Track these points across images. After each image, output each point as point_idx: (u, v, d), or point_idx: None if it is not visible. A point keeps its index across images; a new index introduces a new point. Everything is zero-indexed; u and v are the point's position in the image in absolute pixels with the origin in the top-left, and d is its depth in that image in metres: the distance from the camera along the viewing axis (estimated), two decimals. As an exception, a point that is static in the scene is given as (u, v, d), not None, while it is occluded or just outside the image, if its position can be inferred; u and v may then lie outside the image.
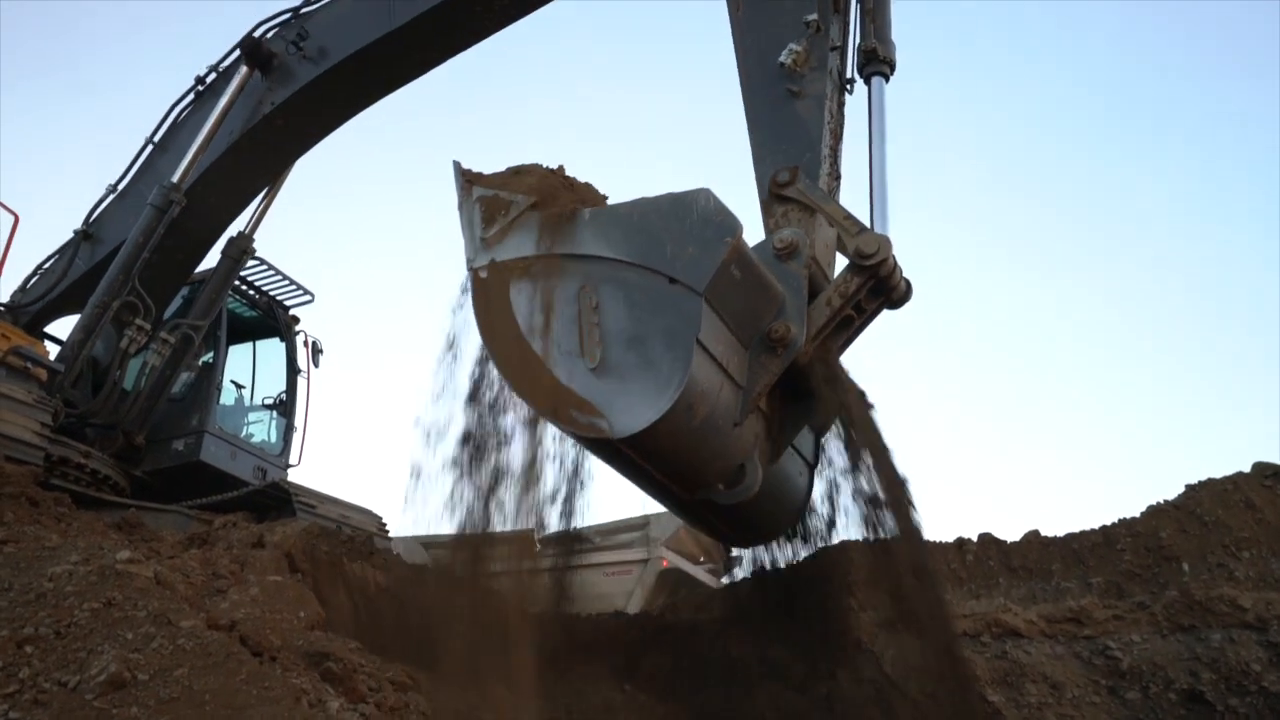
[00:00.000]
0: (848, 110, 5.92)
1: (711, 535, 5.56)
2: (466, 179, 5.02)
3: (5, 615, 3.74)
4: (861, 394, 5.20)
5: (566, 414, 4.38)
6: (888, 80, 5.85)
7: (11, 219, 8.00)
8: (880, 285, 4.96)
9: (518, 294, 4.64)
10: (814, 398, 4.95)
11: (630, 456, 4.53)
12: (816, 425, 5.44)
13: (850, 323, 5.03)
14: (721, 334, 4.45)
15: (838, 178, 5.61)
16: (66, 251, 9.15)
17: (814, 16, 5.55)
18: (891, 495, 4.88)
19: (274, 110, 8.35)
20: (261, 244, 9.78)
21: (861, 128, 5.74)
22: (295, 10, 8.43)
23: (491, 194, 4.90)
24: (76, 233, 9.13)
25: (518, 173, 5.04)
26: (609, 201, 4.98)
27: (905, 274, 5.11)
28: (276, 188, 9.82)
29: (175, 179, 8.36)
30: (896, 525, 4.91)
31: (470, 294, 4.80)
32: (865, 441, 4.98)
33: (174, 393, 9.20)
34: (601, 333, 4.41)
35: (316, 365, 10.89)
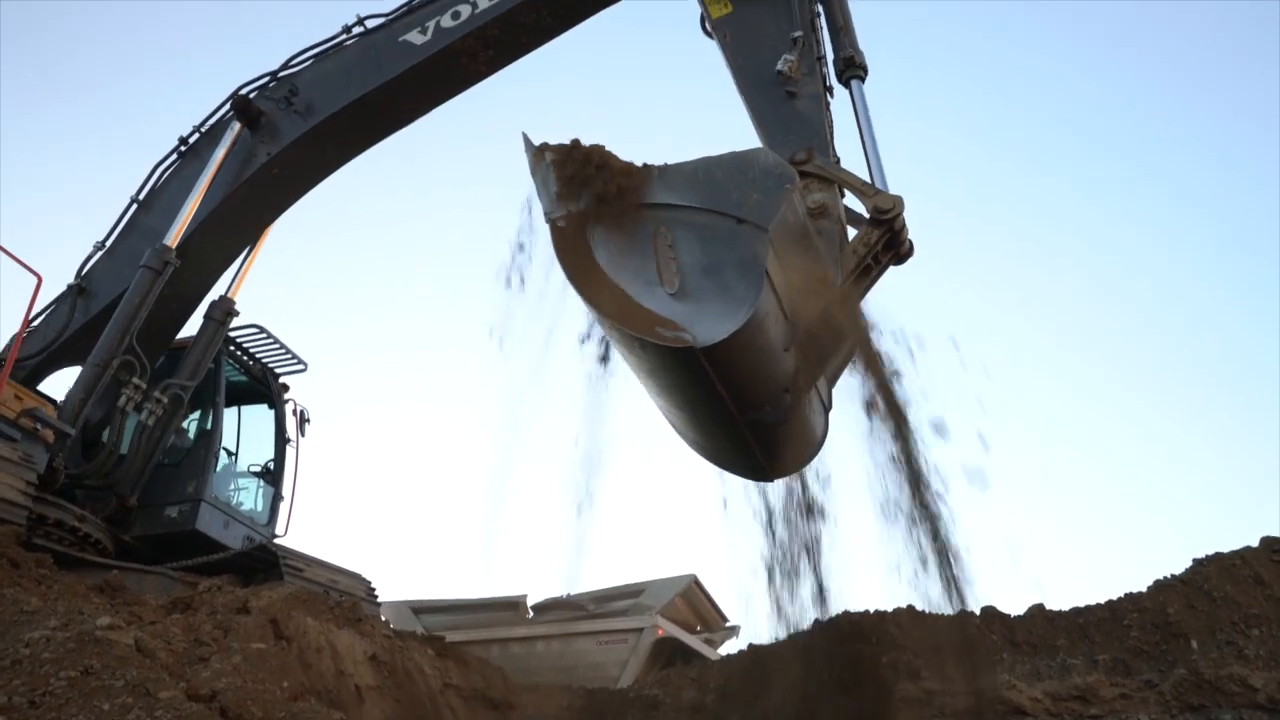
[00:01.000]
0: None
1: (741, 469, 6.08)
2: (537, 148, 5.77)
3: (-22, 683, 3.65)
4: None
5: (654, 331, 4.98)
6: (863, 82, 7.07)
7: (35, 279, 8.05)
8: (894, 239, 5.86)
9: (594, 238, 5.43)
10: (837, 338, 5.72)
11: (697, 374, 5.06)
12: (834, 368, 6.02)
13: (869, 271, 5.87)
14: (777, 270, 5.11)
15: (838, 161, 6.58)
16: (63, 305, 9.15)
17: (799, 34, 6.89)
18: (894, 421, 5.61)
19: (270, 160, 8.69)
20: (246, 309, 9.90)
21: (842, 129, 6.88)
22: (273, 74, 8.86)
23: (563, 155, 5.68)
24: (70, 286, 9.15)
25: (575, 143, 5.83)
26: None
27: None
28: (256, 248, 9.93)
29: (169, 241, 8.47)
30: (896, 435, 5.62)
31: (552, 242, 5.44)
32: (874, 372, 5.68)
33: (162, 456, 9.12)
34: (679, 265, 5.18)
35: (303, 434, 10.86)
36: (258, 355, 10.70)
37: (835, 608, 6.64)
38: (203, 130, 9.11)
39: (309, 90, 8.65)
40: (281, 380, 10.99)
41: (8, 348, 8.19)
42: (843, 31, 7.21)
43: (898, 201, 5.81)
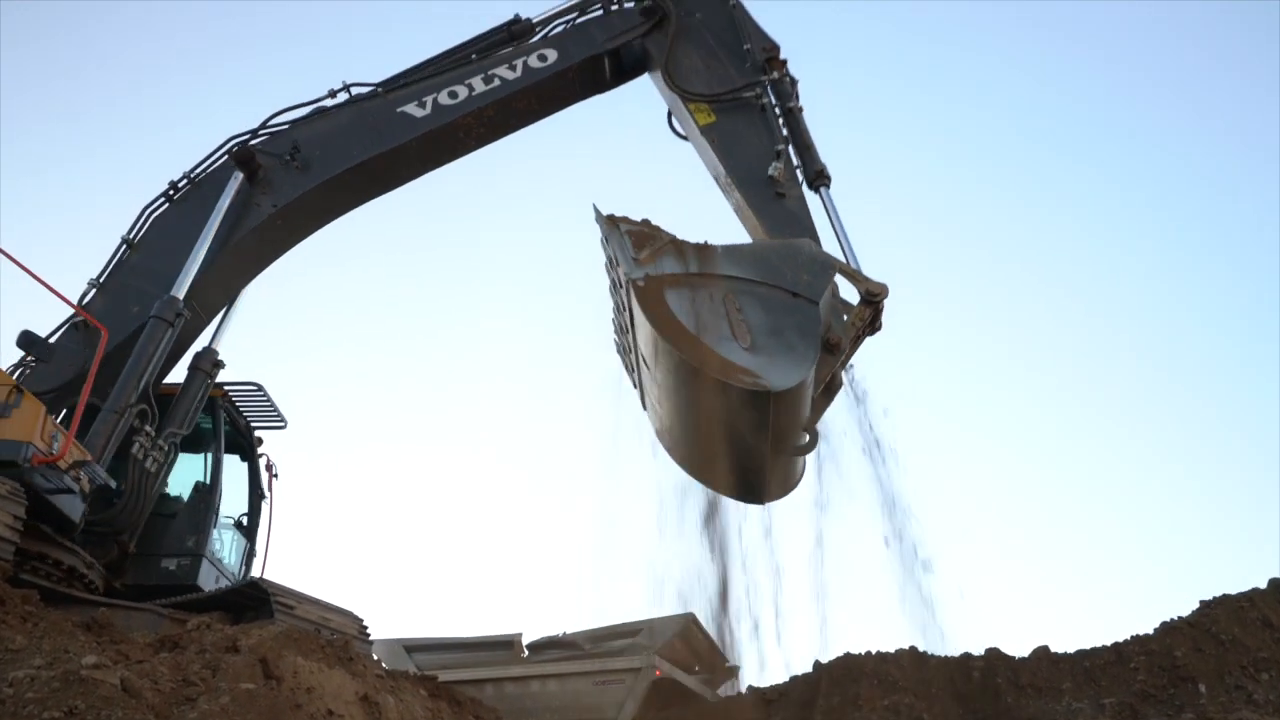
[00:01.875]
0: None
1: (742, 492, 7.22)
2: (609, 219, 7.25)
3: (-42, 724, 3.58)
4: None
5: (736, 376, 6.27)
6: (829, 189, 8.47)
7: (101, 332, 8.33)
8: (877, 317, 7.13)
9: (672, 297, 6.72)
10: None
11: (763, 412, 6.31)
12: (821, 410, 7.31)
13: (858, 341, 7.16)
14: None
15: None
16: (70, 342, 9.14)
17: (782, 146, 8.39)
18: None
19: (275, 211, 9.18)
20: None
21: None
22: (265, 126, 9.38)
23: (638, 229, 7.15)
24: (74, 323, 9.13)
25: (646, 221, 7.35)
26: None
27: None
28: (236, 298, 10.02)
29: (178, 292, 8.67)
30: None
31: (636, 300, 6.72)
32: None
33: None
34: (748, 325, 6.55)
35: (271, 490, 10.87)
36: (242, 409, 10.73)
37: (834, 649, 6.61)
38: (194, 178, 9.43)
39: (310, 148, 9.17)
40: (257, 434, 11.04)
41: (71, 405, 8.18)
42: (809, 150, 8.59)
43: (884, 288, 7.07)
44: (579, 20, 9.65)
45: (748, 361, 6.38)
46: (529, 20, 9.56)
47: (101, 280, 9.16)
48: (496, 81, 9.17)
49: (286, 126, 9.39)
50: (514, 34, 9.53)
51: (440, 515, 40.06)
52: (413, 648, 12.31)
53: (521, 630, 12.12)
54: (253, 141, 9.35)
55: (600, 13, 9.61)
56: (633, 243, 7.03)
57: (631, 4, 9.65)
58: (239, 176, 9.10)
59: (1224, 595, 7.39)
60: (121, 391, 8.30)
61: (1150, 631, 7.42)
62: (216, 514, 9.73)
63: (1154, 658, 7.15)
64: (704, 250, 7.03)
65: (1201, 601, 7.43)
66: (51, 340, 9.07)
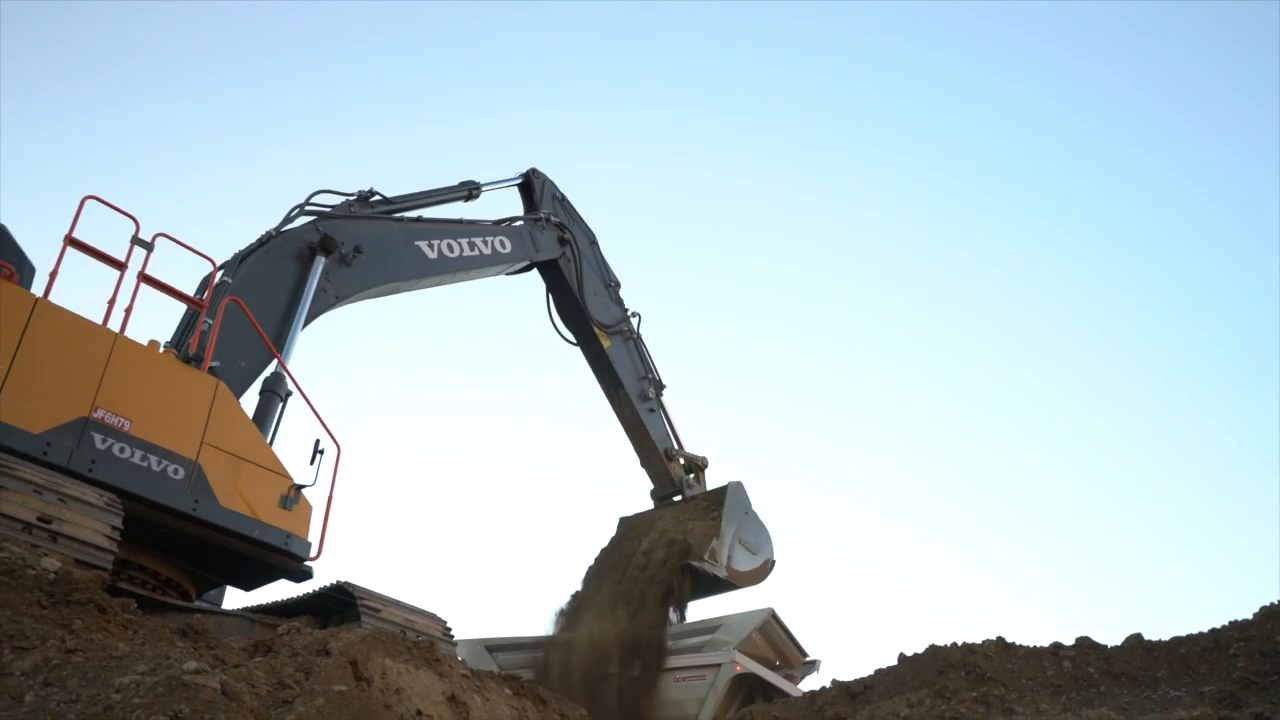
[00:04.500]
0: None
1: None
2: None
3: (75, 729, 3.82)
4: None
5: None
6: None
7: (335, 449, 9.00)
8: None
9: None
10: None
11: None
12: None
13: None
14: None
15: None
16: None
17: (648, 373, 15.03)
18: None
19: (335, 301, 10.79)
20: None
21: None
22: (309, 200, 11.08)
23: None
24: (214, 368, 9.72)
25: None
26: None
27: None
28: None
29: (281, 370, 9.64)
30: None
31: None
32: None
33: None
34: None
35: (312, 463, 11.23)
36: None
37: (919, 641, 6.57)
38: (277, 232, 10.47)
39: (366, 252, 11.05)
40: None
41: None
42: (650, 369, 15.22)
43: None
44: (519, 223, 13.82)
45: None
46: (479, 188, 13.38)
47: (211, 324, 9.01)
48: (476, 250, 12.65)
49: (342, 217, 11.14)
50: (470, 195, 13.25)
51: (508, 515, 40.65)
52: (495, 647, 12.56)
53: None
54: (338, 226, 10.93)
55: (532, 223, 13.97)
56: None
57: (550, 226, 14.18)
58: (322, 260, 10.41)
59: (1328, 576, 7.22)
60: None
61: (1249, 616, 7.25)
62: None
63: (1254, 644, 6.98)
64: None
65: (1304, 584, 7.26)
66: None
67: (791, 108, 48.77)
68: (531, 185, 14.59)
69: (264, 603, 8.75)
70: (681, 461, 14.97)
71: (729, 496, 13.15)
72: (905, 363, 45.94)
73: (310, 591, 8.86)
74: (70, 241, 7.93)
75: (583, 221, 15.19)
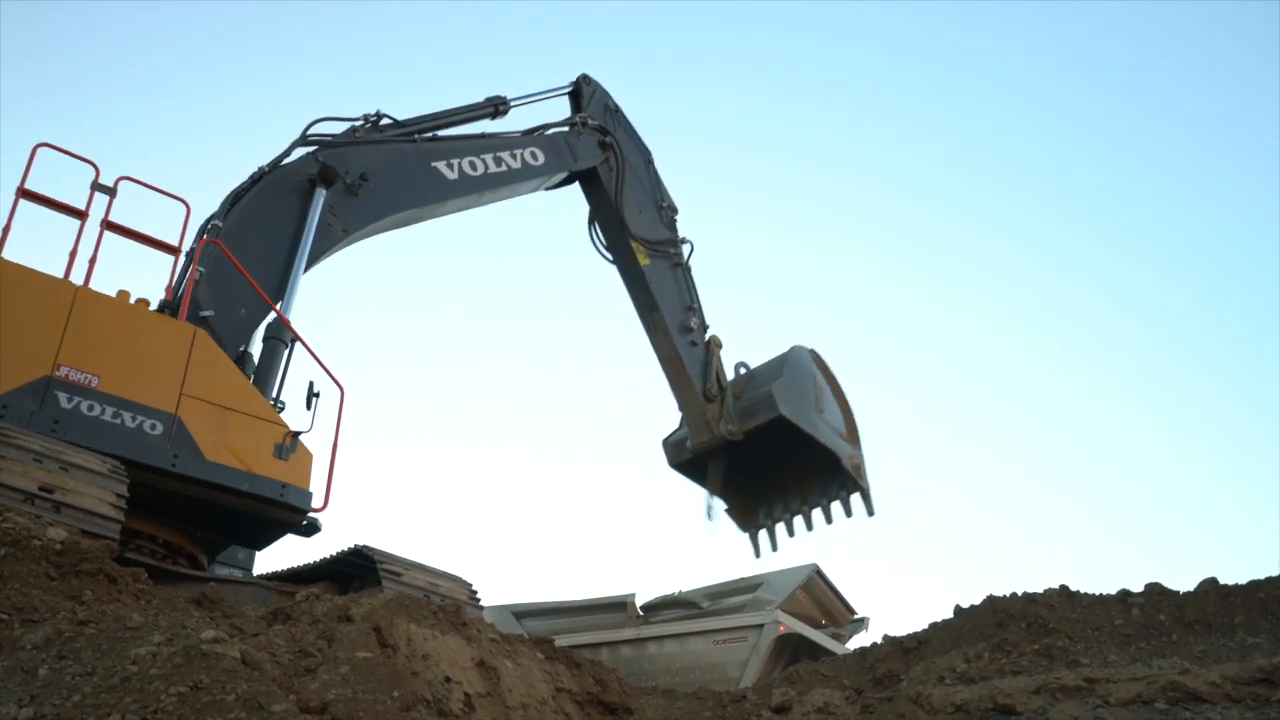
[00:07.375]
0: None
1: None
2: None
3: (91, 702, 3.79)
4: None
5: None
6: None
7: (339, 393, 8.92)
8: None
9: None
10: None
11: None
12: None
13: None
14: None
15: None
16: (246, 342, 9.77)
17: (695, 305, 13.79)
18: None
19: (345, 235, 10.37)
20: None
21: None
22: (305, 132, 10.43)
23: None
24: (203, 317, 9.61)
25: None
26: None
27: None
28: None
29: (287, 312, 9.39)
30: None
31: None
32: None
33: None
34: None
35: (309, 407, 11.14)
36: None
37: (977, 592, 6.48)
38: (271, 167, 10.07)
39: (374, 179, 10.48)
40: None
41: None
42: (699, 307, 13.89)
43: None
44: (554, 131, 12.80)
45: None
46: (508, 104, 12.35)
47: (203, 272, 8.91)
48: (504, 166, 11.84)
49: (345, 144, 10.57)
50: (498, 111, 12.28)
51: (536, 479, 40.74)
52: (522, 613, 12.58)
53: (634, 591, 12.27)
54: (340, 156, 10.33)
55: (567, 129, 12.94)
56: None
57: (589, 130, 13.08)
58: (323, 193, 9.91)
59: None
60: None
61: (1331, 558, 7.14)
62: None
63: (1337, 585, 6.88)
64: None
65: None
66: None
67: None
68: (581, 93, 13.47)
69: (279, 569, 8.76)
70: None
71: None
72: (965, 300, 45.16)
73: (328, 556, 8.87)
74: (23, 193, 7.82)
75: (638, 137, 14.00)
